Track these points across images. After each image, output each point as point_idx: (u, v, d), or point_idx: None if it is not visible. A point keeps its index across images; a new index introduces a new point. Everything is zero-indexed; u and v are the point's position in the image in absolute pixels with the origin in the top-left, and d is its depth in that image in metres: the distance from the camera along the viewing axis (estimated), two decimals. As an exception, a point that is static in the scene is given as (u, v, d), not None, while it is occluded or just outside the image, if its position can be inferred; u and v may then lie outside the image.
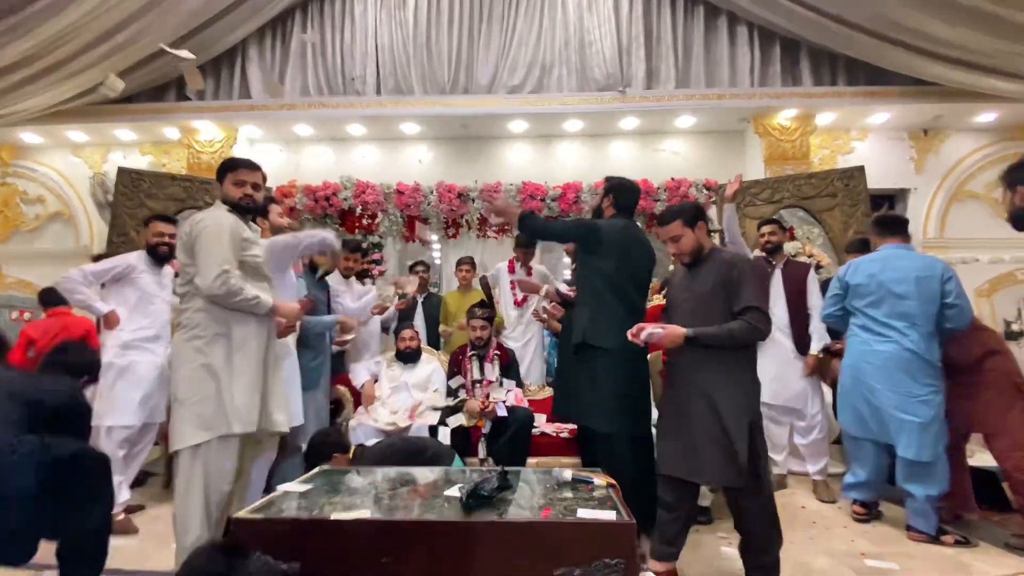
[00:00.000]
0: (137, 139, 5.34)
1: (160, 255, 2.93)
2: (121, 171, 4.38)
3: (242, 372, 1.93)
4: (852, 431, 2.67)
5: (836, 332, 3.06)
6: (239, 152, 5.14)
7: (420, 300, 4.16)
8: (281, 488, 1.77)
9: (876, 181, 4.64)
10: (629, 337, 1.96)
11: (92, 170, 5.37)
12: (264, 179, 2.20)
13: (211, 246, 1.91)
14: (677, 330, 1.89)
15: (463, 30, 4.99)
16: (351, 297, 3.47)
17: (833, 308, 2.75)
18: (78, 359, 2.29)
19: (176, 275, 2.68)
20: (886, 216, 2.81)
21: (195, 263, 1.93)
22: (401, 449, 2.43)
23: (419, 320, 4.09)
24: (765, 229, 3.30)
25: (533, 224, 2.37)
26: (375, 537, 1.47)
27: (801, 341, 3.17)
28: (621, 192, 2.55)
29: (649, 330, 1.93)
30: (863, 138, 5.18)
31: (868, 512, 2.67)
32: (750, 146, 5.08)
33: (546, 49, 4.93)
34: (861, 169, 4.38)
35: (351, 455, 2.49)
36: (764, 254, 3.31)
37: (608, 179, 2.64)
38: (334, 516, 1.51)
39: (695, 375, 1.94)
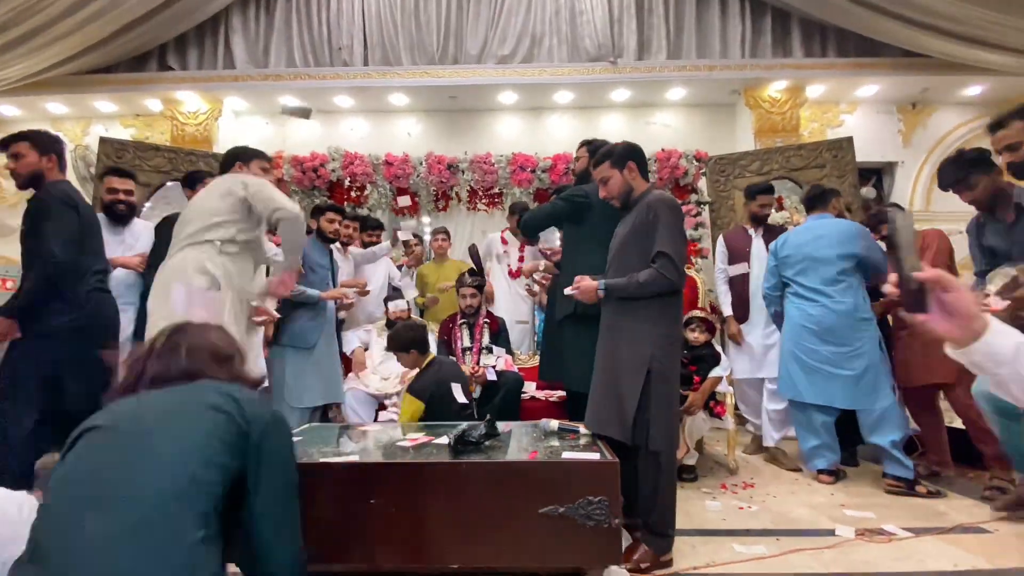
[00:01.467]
0: (119, 111, 5.22)
1: (118, 214, 2.84)
2: (103, 141, 4.29)
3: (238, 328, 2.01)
4: (791, 395, 2.75)
5: None
6: (224, 124, 5.05)
7: (412, 272, 4.17)
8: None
9: (864, 154, 4.66)
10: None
11: (73, 143, 5.26)
12: None
13: (273, 191, 2.11)
14: (591, 284, 1.88)
15: (452, -2, 4.89)
16: (347, 265, 3.47)
17: (773, 280, 2.89)
18: None
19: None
20: (810, 190, 2.99)
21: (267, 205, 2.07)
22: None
23: (410, 292, 4.10)
24: (763, 200, 3.26)
25: (526, 222, 2.46)
26: (364, 480, 1.49)
27: None
28: None
29: (567, 290, 1.93)
30: (852, 111, 5.19)
31: (835, 478, 2.71)
32: (740, 118, 5.07)
33: (536, 18, 4.85)
34: (849, 140, 4.39)
35: (426, 363, 2.55)
36: (752, 224, 3.32)
37: (588, 143, 2.64)
38: (322, 460, 1.53)
39: (608, 325, 1.91)
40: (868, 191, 5.19)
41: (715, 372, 2.81)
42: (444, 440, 1.71)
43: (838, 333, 2.59)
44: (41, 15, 4.26)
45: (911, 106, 5.21)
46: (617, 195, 1.96)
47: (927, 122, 5.23)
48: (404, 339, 2.53)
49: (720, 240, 3.55)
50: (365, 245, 3.83)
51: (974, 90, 4.96)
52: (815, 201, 2.86)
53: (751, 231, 3.32)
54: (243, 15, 5.03)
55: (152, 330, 1.96)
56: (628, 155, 1.94)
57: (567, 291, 1.98)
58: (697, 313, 2.91)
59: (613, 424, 1.78)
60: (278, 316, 2.61)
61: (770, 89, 4.86)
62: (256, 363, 2.25)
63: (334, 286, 3.09)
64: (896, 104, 5.20)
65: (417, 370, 2.54)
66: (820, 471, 2.72)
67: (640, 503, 1.83)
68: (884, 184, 5.36)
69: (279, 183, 4.49)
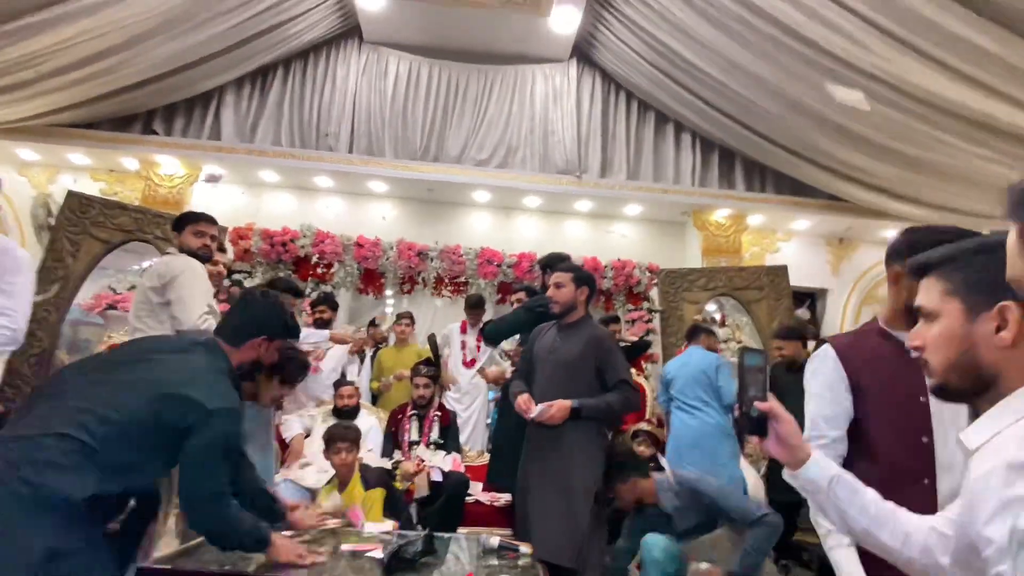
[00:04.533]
0: (91, 164, 5.22)
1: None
2: (71, 194, 4.24)
3: None
4: None
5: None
6: (199, 189, 5.11)
7: (368, 355, 4.13)
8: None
9: (798, 279, 5.15)
10: (520, 410, 1.92)
11: (36, 190, 5.16)
12: (216, 233, 2.42)
13: (194, 287, 2.05)
14: (564, 403, 1.88)
15: (439, 105, 5.33)
16: None
17: (663, 398, 3.28)
18: None
19: None
20: (691, 326, 3.66)
21: (176, 301, 2.03)
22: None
23: (364, 375, 4.04)
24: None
25: (490, 332, 2.58)
26: (290, 598, 1.42)
27: None
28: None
29: (539, 408, 1.89)
30: (788, 239, 5.79)
31: None
32: (689, 236, 5.56)
33: (513, 132, 5.33)
34: (784, 268, 4.87)
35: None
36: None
37: (546, 259, 2.84)
38: (251, 569, 1.45)
39: (552, 445, 1.89)
40: (803, 312, 5.65)
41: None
42: (379, 554, 1.66)
43: (714, 441, 2.85)
44: (30, 71, 4.36)
45: (838, 241, 5.87)
46: (562, 303, 2.12)
47: (852, 256, 5.86)
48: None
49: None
50: (316, 322, 3.78)
51: (891, 233, 5.65)
52: (693, 334, 3.43)
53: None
54: (237, 93, 5.28)
55: None
56: (587, 281, 2.17)
57: (533, 416, 1.92)
58: (644, 426, 3.00)
59: (565, 552, 1.75)
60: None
61: (716, 214, 5.40)
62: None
63: None
64: (825, 238, 5.84)
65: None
66: None
67: None
68: (818, 306, 5.87)
69: (245, 254, 4.48)
